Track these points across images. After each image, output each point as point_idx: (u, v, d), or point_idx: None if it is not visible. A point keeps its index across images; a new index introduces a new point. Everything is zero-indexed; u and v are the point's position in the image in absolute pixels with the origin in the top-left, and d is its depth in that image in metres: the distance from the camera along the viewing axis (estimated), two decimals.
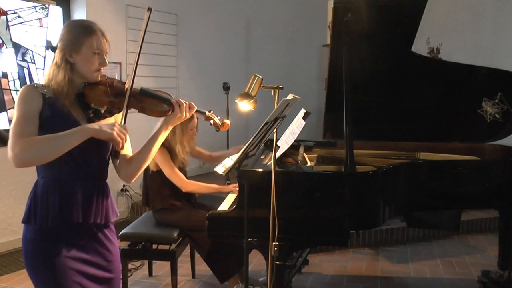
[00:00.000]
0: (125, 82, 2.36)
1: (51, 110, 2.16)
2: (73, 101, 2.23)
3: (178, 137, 4.03)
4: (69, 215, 2.21)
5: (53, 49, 2.21)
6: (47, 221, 2.18)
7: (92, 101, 2.24)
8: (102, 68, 2.28)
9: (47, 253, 2.19)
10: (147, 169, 4.12)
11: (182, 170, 4.16)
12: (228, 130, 6.58)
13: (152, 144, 2.38)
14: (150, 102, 2.35)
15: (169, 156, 4.02)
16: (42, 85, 2.21)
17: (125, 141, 2.17)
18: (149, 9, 2.26)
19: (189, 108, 2.39)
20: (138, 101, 2.32)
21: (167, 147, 4.01)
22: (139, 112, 2.35)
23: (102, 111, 2.28)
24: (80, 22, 2.30)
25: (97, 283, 2.33)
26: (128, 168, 2.40)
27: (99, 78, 2.29)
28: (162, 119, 2.42)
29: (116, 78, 2.35)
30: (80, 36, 2.20)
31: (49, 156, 2.08)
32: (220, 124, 2.68)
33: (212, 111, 2.61)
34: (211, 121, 2.63)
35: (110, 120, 2.35)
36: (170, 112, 2.37)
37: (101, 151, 2.32)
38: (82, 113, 2.26)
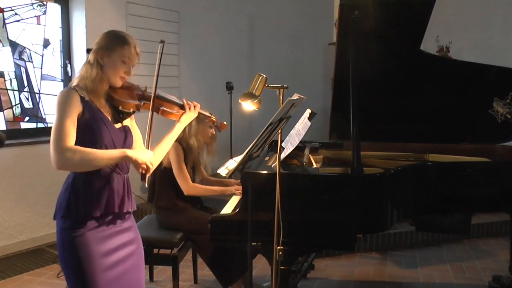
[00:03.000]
0: (138, 86, 2.67)
1: (90, 112, 2.41)
2: (104, 100, 2.51)
3: (193, 129, 4.11)
4: (111, 205, 2.47)
5: (88, 51, 2.57)
6: (94, 212, 2.41)
7: (120, 104, 2.53)
8: (126, 77, 2.54)
9: (84, 240, 2.40)
10: (159, 164, 4.15)
11: (193, 169, 4.20)
12: (231, 131, 6.67)
13: (166, 140, 2.75)
14: (167, 105, 2.70)
15: (182, 155, 4.08)
16: (80, 87, 2.44)
17: (149, 173, 2.47)
18: (162, 42, 2.58)
19: (194, 106, 2.80)
20: (158, 104, 2.63)
21: (183, 145, 4.10)
22: (158, 114, 2.65)
23: (127, 111, 2.58)
24: (119, 33, 2.55)
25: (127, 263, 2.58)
26: None
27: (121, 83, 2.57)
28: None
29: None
30: (115, 43, 2.48)
31: (90, 168, 2.37)
32: (220, 124, 3.19)
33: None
34: (214, 123, 3.16)
35: (126, 120, 2.64)
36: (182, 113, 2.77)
37: (129, 144, 2.61)
38: (110, 113, 2.54)
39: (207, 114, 3.01)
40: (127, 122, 2.64)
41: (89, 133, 2.39)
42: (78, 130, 2.37)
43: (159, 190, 4.19)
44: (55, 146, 2.27)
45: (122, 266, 2.52)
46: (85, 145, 2.35)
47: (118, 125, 2.56)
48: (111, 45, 2.47)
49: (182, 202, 4.15)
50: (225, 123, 3.20)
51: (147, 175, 2.46)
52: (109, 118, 2.50)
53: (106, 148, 2.43)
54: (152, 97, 2.56)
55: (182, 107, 2.76)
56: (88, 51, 2.53)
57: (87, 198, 2.40)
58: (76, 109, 2.36)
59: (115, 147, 2.46)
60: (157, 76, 2.56)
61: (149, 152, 2.48)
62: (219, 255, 3.97)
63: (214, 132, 4.29)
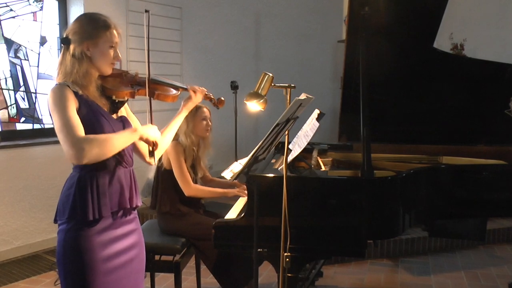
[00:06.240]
0: (128, 71, 2.66)
1: (87, 106, 2.39)
2: (98, 92, 2.48)
3: (182, 128, 4.04)
4: (123, 200, 2.54)
5: (64, 41, 2.48)
6: (104, 210, 2.43)
7: (113, 93, 2.52)
8: (115, 62, 2.53)
9: (89, 245, 2.40)
10: (160, 166, 4.15)
11: (194, 168, 4.19)
12: (236, 133, 6.67)
13: (172, 128, 2.82)
14: (162, 89, 2.72)
15: (182, 153, 4.06)
16: (72, 83, 2.39)
17: (156, 148, 2.58)
18: (147, 11, 2.61)
19: (194, 91, 2.87)
20: (153, 89, 2.64)
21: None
22: (154, 99, 2.65)
23: (121, 100, 2.58)
24: (96, 16, 2.50)
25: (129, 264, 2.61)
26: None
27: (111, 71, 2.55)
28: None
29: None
30: (98, 30, 2.44)
31: (108, 154, 2.36)
32: (217, 101, 3.15)
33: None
34: (212, 100, 3.11)
35: (121, 110, 2.63)
36: (179, 94, 2.79)
37: None
38: (106, 104, 2.52)
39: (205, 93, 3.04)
40: (122, 111, 2.64)
41: (90, 129, 2.34)
42: None
43: (162, 195, 4.18)
44: (69, 141, 2.23)
45: (123, 271, 2.53)
46: None
47: (114, 116, 2.56)
48: (95, 33, 2.43)
49: (184, 207, 4.15)
50: (222, 98, 3.19)
51: (155, 151, 2.56)
52: (106, 110, 2.49)
53: None
54: (147, 80, 2.58)
55: (177, 88, 2.79)
56: (64, 41, 2.46)
57: (97, 196, 2.39)
58: (74, 103, 2.33)
59: None
60: (148, 55, 2.55)
61: (155, 128, 2.54)
62: (223, 262, 3.97)
63: (209, 123, 4.24)
